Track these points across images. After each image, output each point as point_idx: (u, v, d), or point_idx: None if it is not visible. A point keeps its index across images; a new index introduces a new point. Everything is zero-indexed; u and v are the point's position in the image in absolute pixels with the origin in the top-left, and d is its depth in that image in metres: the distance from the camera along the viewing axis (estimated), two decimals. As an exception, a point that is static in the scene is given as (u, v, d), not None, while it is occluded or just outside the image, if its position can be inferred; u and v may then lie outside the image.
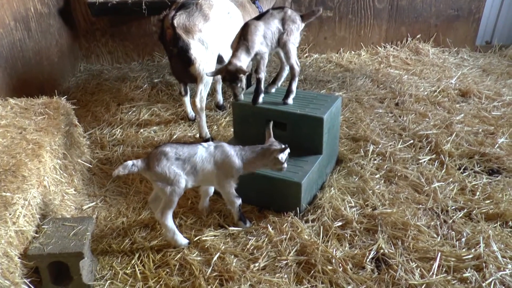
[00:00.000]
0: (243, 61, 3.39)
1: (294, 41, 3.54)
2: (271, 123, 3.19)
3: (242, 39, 3.43)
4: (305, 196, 3.33)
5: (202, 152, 2.96)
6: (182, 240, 3.07)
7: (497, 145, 4.16)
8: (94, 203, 3.61)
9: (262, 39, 3.46)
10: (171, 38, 4.15)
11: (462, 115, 4.71)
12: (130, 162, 2.82)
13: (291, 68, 3.61)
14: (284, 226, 3.20)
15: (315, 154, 3.49)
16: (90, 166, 3.97)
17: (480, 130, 4.45)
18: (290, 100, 3.60)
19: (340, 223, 3.25)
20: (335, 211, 3.36)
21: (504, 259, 2.93)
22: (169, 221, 2.98)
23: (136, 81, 5.76)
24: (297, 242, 3.08)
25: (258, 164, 3.08)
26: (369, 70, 5.95)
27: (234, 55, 3.42)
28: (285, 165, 3.07)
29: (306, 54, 6.46)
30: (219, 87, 5.06)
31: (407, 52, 6.54)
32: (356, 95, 5.24)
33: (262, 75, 3.57)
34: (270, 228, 3.18)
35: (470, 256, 2.94)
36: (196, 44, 4.17)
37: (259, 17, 3.58)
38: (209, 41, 4.23)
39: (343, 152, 4.09)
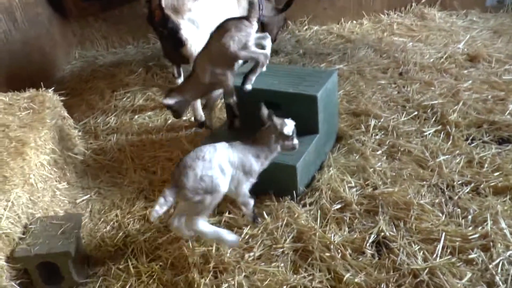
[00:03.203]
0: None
1: (245, 46, 3.27)
2: (263, 105, 2.94)
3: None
4: (302, 178, 3.19)
5: (222, 150, 2.73)
6: (230, 236, 2.74)
7: (508, 111, 3.93)
8: (88, 196, 3.54)
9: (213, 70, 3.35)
10: (159, 19, 3.99)
11: (470, 81, 4.46)
12: (161, 199, 2.53)
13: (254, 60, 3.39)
14: (280, 211, 3.07)
15: (312, 133, 3.33)
16: (82, 158, 3.89)
17: (490, 96, 4.21)
18: (248, 86, 3.38)
19: (339, 206, 3.11)
20: (334, 193, 3.21)
21: (513, 236, 2.78)
22: (208, 226, 2.71)
23: (131, 66, 5.62)
24: (293, 228, 2.95)
25: (267, 151, 2.85)
26: (371, 39, 5.67)
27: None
28: (295, 140, 2.85)
29: (306, 27, 6.18)
30: None
31: (412, 18, 6.20)
32: (357, 67, 5.00)
33: (231, 99, 3.44)
34: (265, 215, 3.06)
35: (477, 235, 2.78)
36: (186, 24, 4.00)
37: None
38: (200, 20, 4.05)
39: (343, 129, 3.91)
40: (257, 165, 2.82)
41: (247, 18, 3.29)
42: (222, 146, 2.76)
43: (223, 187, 2.66)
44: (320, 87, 3.26)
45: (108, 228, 3.19)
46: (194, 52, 3.99)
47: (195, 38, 4.01)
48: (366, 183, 3.29)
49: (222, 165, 2.68)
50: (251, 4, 3.34)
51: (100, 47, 6.33)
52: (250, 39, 3.28)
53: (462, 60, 4.94)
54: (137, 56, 5.96)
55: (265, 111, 2.87)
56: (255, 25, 3.31)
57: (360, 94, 4.43)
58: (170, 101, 3.40)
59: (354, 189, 3.25)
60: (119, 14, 6.14)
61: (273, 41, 5.37)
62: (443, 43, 5.39)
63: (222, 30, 3.29)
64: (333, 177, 3.35)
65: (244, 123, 3.53)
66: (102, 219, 3.28)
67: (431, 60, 5.00)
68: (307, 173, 3.29)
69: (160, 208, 2.51)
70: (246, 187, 2.84)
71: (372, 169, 3.41)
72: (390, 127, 3.89)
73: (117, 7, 6.08)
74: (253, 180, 2.86)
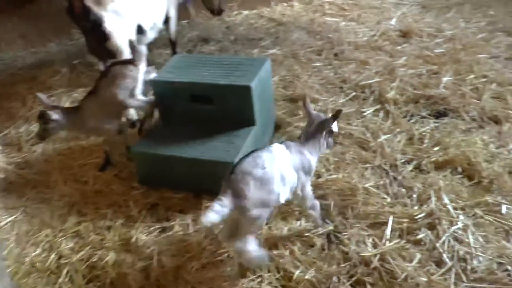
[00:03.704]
0: None
1: (132, 93, 3.22)
2: (307, 100, 2.66)
3: None
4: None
5: (281, 155, 2.39)
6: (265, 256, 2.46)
7: (442, 85, 3.97)
8: (13, 217, 3.20)
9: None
10: (80, 11, 3.70)
11: (405, 57, 4.46)
12: (217, 206, 2.11)
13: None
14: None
15: (248, 126, 3.17)
16: (4, 175, 3.53)
17: (424, 71, 4.23)
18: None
19: (283, 199, 2.99)
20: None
21: (455, 211, 2.78)
22: (254, 243, 2.38)
23: (54, 66, 5.21)
24: (238, 228, 2.81)
25: (317, 148, 2.57)
26: (303, 21, 5.56)
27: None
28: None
29: (236, 12, 5.96)
30: None
31: (342, -3, 6.14)
32: (291, 50, 4.88)
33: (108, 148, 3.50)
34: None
35: (423, 215, 2.76)
36: (110, 16, 3.73)
37: None
38: (124, 11, 3.79)
39: (281, 116, 3.78)
40: (314, 163, 2.55)
41: (132, 61, 3.22)
42: (279, 150, 2.42)
43: (282, 200, 2.39)
44: (254, 76, 3.11)
45: (38, 250, 2.90)
46: (120, 46, 3.74)
47: (120, 30, 3.75)
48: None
49: (283, 173, 2.36)
50: (133, 49, 3.27)
51: (19, 47, 5.81)
52: (137, 85, 3.22)
53: (395, 36, 4.94)
54: (60, 54, 5.54)
55: (310, 107, 2.62)
56: (141, 69, 3.23)
57: (296, 79, 4.31)
58: (54, 115, 3.13)
59: (298, 180, 3.15)
60: (36, 9, 5.64)
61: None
62: (375, 20, 5.37)
63: (108, 77, 3.20)
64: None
65: (175, 120, 3.33)
66: (30, 242, 2.98)
67: (365, 38, 4.96)
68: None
69: (215, 215, 2.09)
70: (310, 188, 2.58)
71: (314, 156, 3.31)
72: (329, 110, 3.81)
73: (33, 2, 5.58)
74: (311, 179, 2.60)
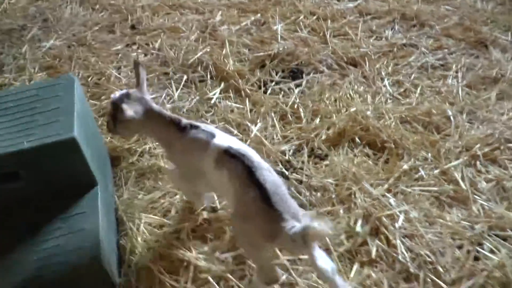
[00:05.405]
0: None
1: None
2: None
3: None
4: (110, 264, 1.93)
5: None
6: None
7: (279, 36, 3.32)
8: None
9: None
10: None
11: (220, 13, 3.61)
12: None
13: None
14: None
15: (87, 190, 2.00)
16: None
17: (249, 23, 3.50)
18: None
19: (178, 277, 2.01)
20: (164, 258, 2.06)
21: (384, 198, 2.28)
22: None
23: None
24: None
25: None
26: (69, -11, 4.10)
27: None
28: None
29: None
30: None
31: None
32: (73, 35, 3.50)
33: None
34: None
35: (360, 221, 2.18)
36: None
37: None
38: None
39: (112, 145, 2.61)
40: None
41: None
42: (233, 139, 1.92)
43: None
44: (70, 115, 1.90)
45: None
46: None
47: None
48: (195, 211, 2.25)
49: None
50: None
51: None
52: None
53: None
54: None
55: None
56: None
57: (103, 77, 3.10)
58: None
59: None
60: None
61: None
62: (156, -30, 4.26)
63: None
64: (145, 232, 2.16)
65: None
66: None
67: (156, -1, 3.87)
68: (112, 248, 2.03)
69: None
70: None
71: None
72: (169, 111, 2.80)
73: None
74: None
